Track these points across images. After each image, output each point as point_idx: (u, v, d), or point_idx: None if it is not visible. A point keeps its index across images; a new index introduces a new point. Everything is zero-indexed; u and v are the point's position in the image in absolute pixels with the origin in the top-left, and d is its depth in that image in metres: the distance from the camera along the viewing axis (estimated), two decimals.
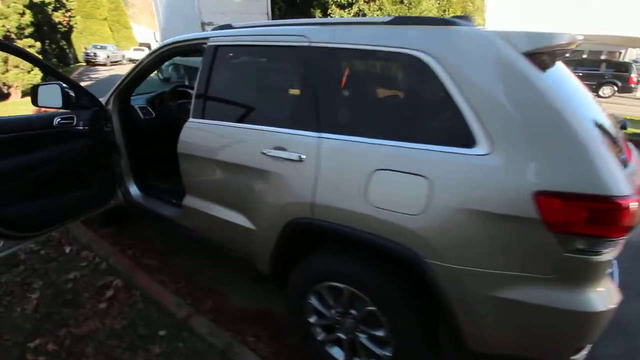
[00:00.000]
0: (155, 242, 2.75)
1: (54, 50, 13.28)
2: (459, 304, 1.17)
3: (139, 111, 2.51)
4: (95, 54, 21.75)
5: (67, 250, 2.57)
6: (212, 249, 2.10)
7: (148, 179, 2.64)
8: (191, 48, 1.91)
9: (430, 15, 9.15)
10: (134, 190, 2.50)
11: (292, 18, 2.11)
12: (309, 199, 1.37)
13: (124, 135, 2.39)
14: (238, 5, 9.59)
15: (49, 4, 11.76)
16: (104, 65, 21.55)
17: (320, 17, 8.74)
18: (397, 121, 1.26)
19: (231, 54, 1.73)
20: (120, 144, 2.38)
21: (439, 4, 9.70)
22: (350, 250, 1.38)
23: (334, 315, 1.53)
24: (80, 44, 24.40)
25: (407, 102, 1.24)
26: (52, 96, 2.09)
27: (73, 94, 2.13)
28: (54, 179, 1.98)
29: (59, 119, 2.00)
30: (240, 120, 1.62)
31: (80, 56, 23.41)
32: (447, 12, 9.96)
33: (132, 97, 2.46)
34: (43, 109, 2.22)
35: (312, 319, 1.61)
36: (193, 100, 1.81)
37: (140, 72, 2.17)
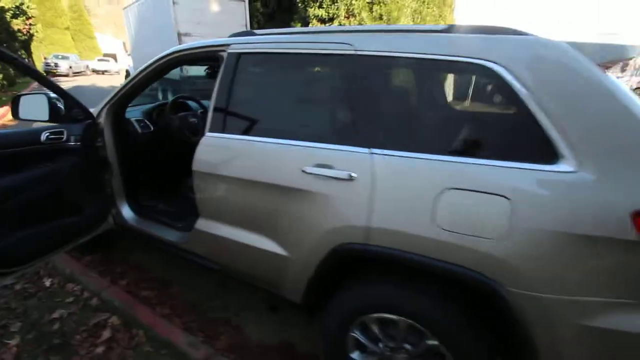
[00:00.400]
0: (148, 269, 2.47)
1: None
2: (543, 336, 1.06)
3: (135, 124, 2.26)
4: (56, 64, 20.50)
5: (48, 283, 2.24)
6: (215, 276, 1.89)
7: (143, 200, 2.38)
8: (204, 56, 1.73)
9: None
10: (127, 212, 2.24)
11: None
12: (362, 222, 1.23)
13: (118, 151, 2.14)
14: (215, 16, 9.39)
15: (8, 10, 10.96)
16: (66, 76, 20.32)
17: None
18: (464, 136, 1.15)
19: (259, 63, 1.57)
20: (112, 161, 2.12)
21: (413, 22, 9.97)
22: (411, 278, 1.24)
23: (382, 350, 1.37)
24: (40, 54, 23.01)
25: (476, 115, 1.15)
26: (36, 108, 1.82)
27: (62, 106, 1.87)
28: (40, 204, 1.70)
29: (47, 134, 1.73)
30: (273, 135, 1.45)
31: (40, 66, 22.03)
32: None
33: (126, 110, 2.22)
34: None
35: (355, 355, 1.44)
36: (210, 113, 1.62)
37: (140, 82, 1.95)
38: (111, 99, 2.04)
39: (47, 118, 1.81)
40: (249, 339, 1.87)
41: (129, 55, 15.82)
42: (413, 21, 10.27)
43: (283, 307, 2.12)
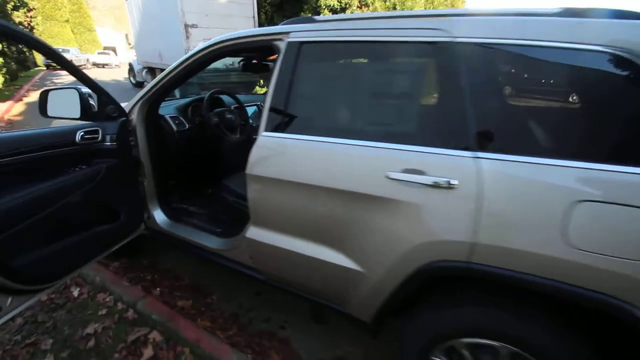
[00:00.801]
0: (180, 275, 2.31)
1: (13, 53, 12.03)
2: None
3: (170, 122, 2.08)
4: None
5: (76, 293, 2.08)
6: (253, 283, 1.74)
7: (176, 202, 2.21)
8: (256, 46, 1.54)
9: None
10: (159, 216, 2.07)
11: (279, 22, 1.75)
12: (466, 237, 1.06)
13: (150, 150, 1.97)
14: (223, 7, 9.14)
15: (9, 1, 10.66)
16: None
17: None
18: (598, 137, 0.98)
19: (327, 53, 1.39)
20: (144, 161, 1.95)
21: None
22: (524, 301, 1.07)
23: None
24: None
25: (611, 112, 0.97)
26: (67, 104, 1.64)
27: (94, 102, 1.69)
28: (75, 213, 1.53)
29: (82, 133, 1.56)
30: (346, 135, 1.27)
31: (40, 60, 21.67)
32: None
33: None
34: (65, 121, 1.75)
35: None
36: (266, 111, 1.44)
37: (178, 75, 1.76)
38: (145, 93, 1.86)
39: (78, 115, 1.63)
40: (300, 356, 1.72)
41: (131, 48, 15.49)
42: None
43: (329, 319, 1.97)
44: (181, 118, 2.15)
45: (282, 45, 1.44)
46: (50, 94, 1.65)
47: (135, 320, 1.86)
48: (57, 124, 2.09)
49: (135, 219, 1.88)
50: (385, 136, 1.22)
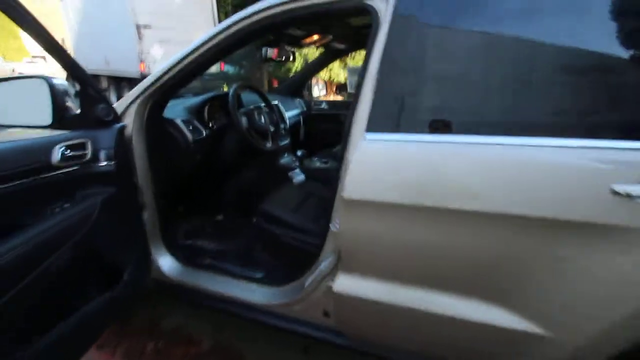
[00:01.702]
0: (196, 339, 1.70)
1: None
2: None
3: (183, 128, 1.48)
4: None
5: None
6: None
7: (190, 239, 1.62)
8: (337, 11, 1.05)
9: None
10: (166, 262, 1.49)
11: None
12: None
13: (153, 169, 1.38)
14: (179, 7, 8.35)
15: None
16: None
17: None
18: None
19: (465, 14, 0.92)
20: (142, 185, 1.36)
21: None
22: None
23: None
24: None
25: None
26: (28, 103, 1.03)
27: (72, 101, 1.08)
28: (59, 286, 0.92)
29: (62, 149, 0.95)
30: (538, 131, 0.82)
31: None
32: None
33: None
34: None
35: None
36: (369, 101, 0.96)
37: (203, 58, 1.21)
38: (145, 89, 1.27)
39: (49, 121, 1.02)
40: None
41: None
42: None
43: None
44: (196, 122, 1.56)
45: (382, 9, 0.95)
46: (1, 85, 1.03)
47: None
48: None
49: (142, 274, 1.28)
50: (607, 129, 0.79)
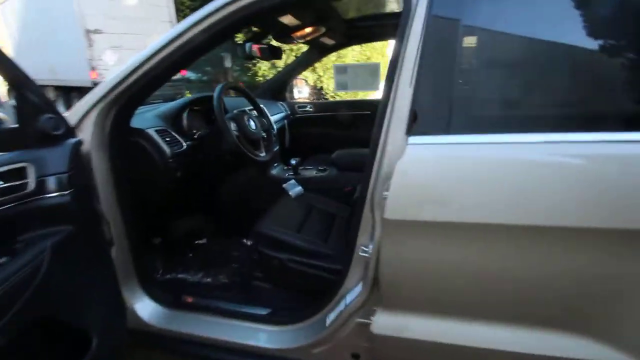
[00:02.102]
0: None
1: None
2: None
3: (158, 140, 1.19)
4: None
5: None
6: None
7: (170, 274, 1.34)
8: None
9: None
10: (144, 307, 1.21)
11: None
12: None
13: (120, 195, 1.09)
14: (133, 10, 7.79)
15: None
16: None
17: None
18: None
19: None
20: (108, 215, 1.07)
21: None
22: None
23: None
24: None
25: None
26: None
27: (3, 111, 0.79)
28: None
29: None
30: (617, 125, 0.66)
31: None
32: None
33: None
34: None
35: None
36: (409, 97, 0.76)
37: (182, 51, 0.95)
38: (106, 94, 0.99)
39: None
40: None
41: None
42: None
43: None
44: (173, 133, 1.27)
45: None
46: None
47: None
48: None
49: (116, 334, 0.99)
50: None
